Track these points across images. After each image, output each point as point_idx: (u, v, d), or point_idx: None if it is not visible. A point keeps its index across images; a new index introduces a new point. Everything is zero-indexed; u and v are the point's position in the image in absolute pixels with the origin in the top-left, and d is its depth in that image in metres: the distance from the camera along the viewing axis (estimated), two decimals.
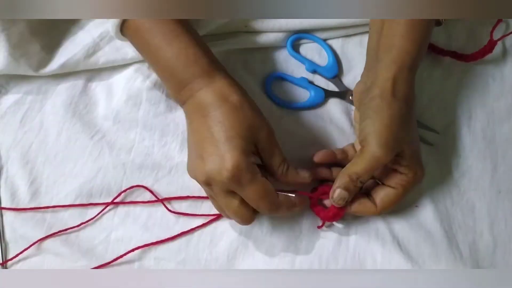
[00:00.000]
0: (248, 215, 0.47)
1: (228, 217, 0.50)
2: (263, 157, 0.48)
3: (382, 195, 0.50)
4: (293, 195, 0.49)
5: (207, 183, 0.46)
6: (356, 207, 0.50)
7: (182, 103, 0.49)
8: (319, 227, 0.53)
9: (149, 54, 0.49)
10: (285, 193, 0.49)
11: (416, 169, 0.49)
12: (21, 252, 0.52)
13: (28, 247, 0.52)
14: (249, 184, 0.45)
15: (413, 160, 0.49)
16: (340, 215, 0.51)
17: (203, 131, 0.46)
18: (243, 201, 0.46)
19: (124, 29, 0.49)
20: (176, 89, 0.48)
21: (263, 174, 0.46)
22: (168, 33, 0.47)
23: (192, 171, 0.47)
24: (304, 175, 0.49)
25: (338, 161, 0.53)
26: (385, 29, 0.50)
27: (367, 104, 0.49)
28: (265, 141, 0.47)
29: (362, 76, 0.53)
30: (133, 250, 0.52)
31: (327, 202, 0.52)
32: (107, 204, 0.53)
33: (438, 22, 0.53)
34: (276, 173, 0.48)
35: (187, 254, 0.53)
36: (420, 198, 0.55)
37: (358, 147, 0.52)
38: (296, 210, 0.49)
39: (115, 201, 0.54)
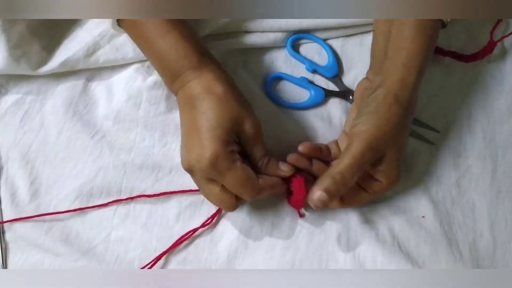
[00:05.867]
0: (230, 202, 0.49)
1: (214, 203, 0.51)
2: (245, 148, 0.49)
3: (349, 195, 0.51)
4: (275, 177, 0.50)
5: (189, 171, 0.48)
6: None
7: (175, 93, 0.51)
8: (300, 216, 0.54)
9: (143, 47, 0.51)
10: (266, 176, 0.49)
11: (392, 176, 0.50)
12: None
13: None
14: (228, 171, 0.46)
15: (391, 166, 0.49)
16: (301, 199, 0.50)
17: (189, 121, 0.48)
18: (224, 188, 0.48)
19: (120, 21, 0.51)
20: (169, 80, 0.50)
21: (244, 161, 0.48)
22: (160, 27, 0.49)
23: (181, 160, 0.49)
24: (284, 169, 0.50)
25: (321, 156, 0.52)
26: (394, 31, 0.50)
27: (368, 102, 0.49)
28: (248, 134, 0.48)
29: (368, 73, 0.54)
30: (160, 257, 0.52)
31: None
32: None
33: (443, 24, 0.53)
34: (257, 165, 0.50)
35: (187, 254, 0.53)
36: (420, 199, 0.56)
37: (342, 144, 0.52)
38: (278, 190, 0.51)
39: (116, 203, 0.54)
